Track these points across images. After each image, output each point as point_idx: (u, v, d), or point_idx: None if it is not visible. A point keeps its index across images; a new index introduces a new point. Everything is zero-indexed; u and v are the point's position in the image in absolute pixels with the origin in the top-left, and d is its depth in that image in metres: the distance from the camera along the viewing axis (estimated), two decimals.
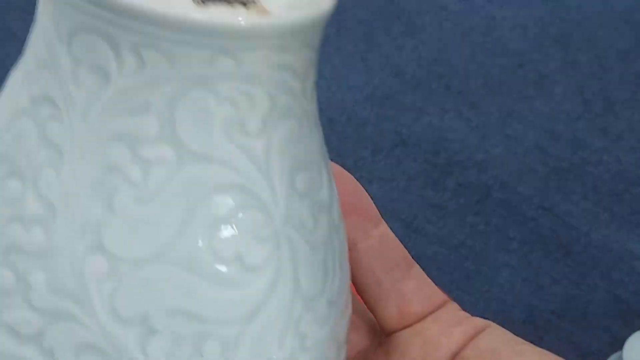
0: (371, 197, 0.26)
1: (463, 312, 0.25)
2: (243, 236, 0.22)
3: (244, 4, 0.21)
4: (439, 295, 0.26)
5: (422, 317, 0.26)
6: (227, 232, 0.22)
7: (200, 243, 0.22)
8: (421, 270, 0.28)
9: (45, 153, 0.23)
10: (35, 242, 0.23)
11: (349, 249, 0.26)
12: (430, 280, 0.27)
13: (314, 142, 0.25)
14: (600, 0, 0.69)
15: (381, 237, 0.31)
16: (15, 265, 0.22)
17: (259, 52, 0.22)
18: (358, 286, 0.27)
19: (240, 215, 0.22)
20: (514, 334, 0.23)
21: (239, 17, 0.21)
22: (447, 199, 0.54)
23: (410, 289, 0.28)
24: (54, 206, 0.23)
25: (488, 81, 0.61)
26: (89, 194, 0.22)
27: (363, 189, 0.32)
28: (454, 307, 0.25)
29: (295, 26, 0.22)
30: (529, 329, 0.50)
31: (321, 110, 0.23)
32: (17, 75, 0.24)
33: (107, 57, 0.22)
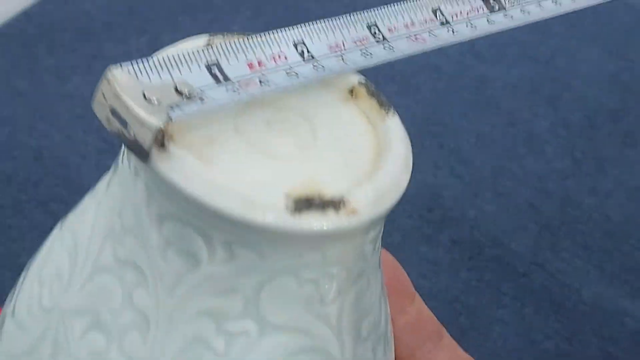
0: None
1: None
2: None
3: (335, 207, 0.22)
4: None
5: None
6: None
7: None
8: (451, 339, 0.29)
9: (131, 316, 0.24)
10: None
11: None
12: (460, 349, 0.28)
13: (377, 285, 0.27)
14: (589, 62, 0.70)
15: (417, 313, 0.32)
16: None
17: (345, 242, 0.23)
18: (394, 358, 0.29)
19: None
20: None
21: (330, 223, 0.22)
22: (441, 255, 0.55)
23: (441, 359, 0.30)
24: None
25: (480, 139, 0.62)
26: None
27: (400, 266, 0.34)
28: None
29: (381, 217, 0.23)
30: None
31: None
32: (98, 214, 0.25)
33: (199, 247, 0.23)
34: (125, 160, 0.24)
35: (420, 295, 0.52)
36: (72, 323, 0.24)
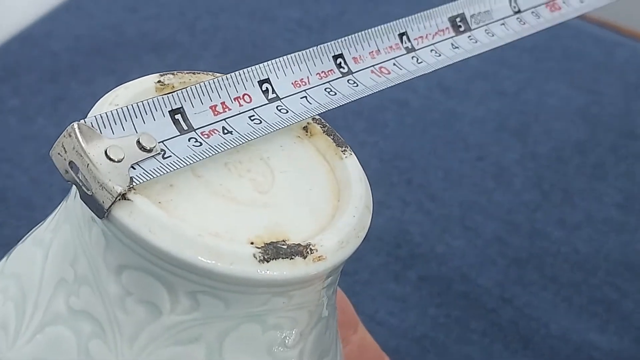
0: None
1: None
2: None
3: (302, 254, 0.22)
4: None
5: None
6: None
7: None
8: None
9: None
10: None
11: None
12: None
13: (334, 324, 0.27)
14: (557, 95, 0.71)
15: (359, 342, 0.32)
16: None
17: (310, 287, 0.23)
18: None
19: None
20: None
21: (299, 270, 0.22)
22: (409, 292, 0.54)
23: None
24: None
25: (448, 174, 0.62)
26: None
27: (344, 295, 0.34)
28: None
29: (345, 260, 0.23)
30: None
31: None
32: (47, 262, 0.24)
33: (161, 297, 0.22)
34: (77, 206, 0.23)
35: (389, 332, 0.52)
36: None
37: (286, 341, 0.24)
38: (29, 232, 0.27)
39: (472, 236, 0.58)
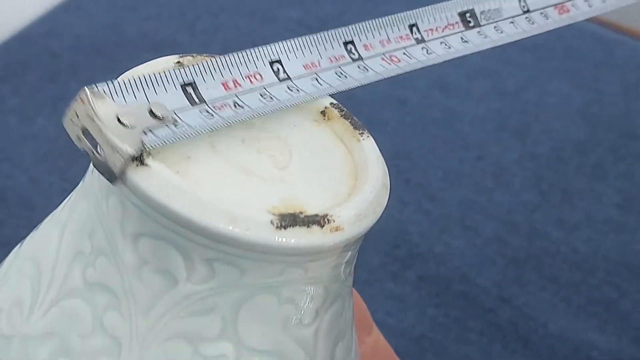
0: None
1: None
2: None
3: (320, 224, 0.22)
4: None
5: None
6: None
7: None
8: None
9: (102, 340, 0.23)
10: None
11: None
12: None
13: (350, 310, 0.27)
14: (558, 94, 0.70)
15: (373, 344, 0.33)
16: None
17: (326, 259, 0.23)
18: None
19: None
20: None
21: (316, 239, 0.22)
22: (408, 292, 0.54)
23: None
24: None
25: (447, 174, 0.62)
26: None
27: (359, 297, 0.34)
28: None
29: (361, 235, 0.23)
30: None
31: None
32: (64, 238, 0.24)
33: (178, 265, 0.22)
34: (94, 180, 0.23)
35: (387, 332, 0.52)
36: (36, 350, 0.24)
37: (302, 318, 0.24)
38: (43, 220, 0.27)
39: (471, 236, 0.58)
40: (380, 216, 0.24)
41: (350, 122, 0.26)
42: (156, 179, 0.21)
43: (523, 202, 0.61)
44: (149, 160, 0.21)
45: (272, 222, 0.21)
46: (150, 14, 0.74)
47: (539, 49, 0.74)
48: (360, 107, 0.65)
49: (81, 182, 0.25)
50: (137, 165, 0.21)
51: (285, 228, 0.22)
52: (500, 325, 0.53)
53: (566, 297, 0.55)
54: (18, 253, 0.27)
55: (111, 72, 0.74)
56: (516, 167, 0.63)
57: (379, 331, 0.36)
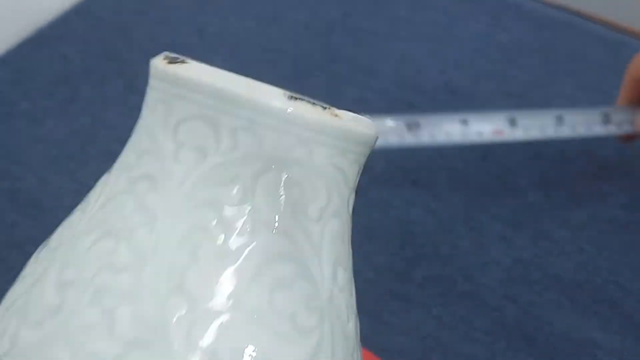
0: None
1: None
2: (297, 301, 0.27)
3: (323, 107, 0.27)
4: None
5: None
6: (285, 293, 0.27)
7: (263, 299, 0.26)
8: None
9: (140, 217, 0.27)
10: (123, 285, 0.26)
11: None
12: None
13: (348, 249, 0.30)
14: (562, 95, 0.71)
15: None
16: (101, 303, 0.26)
17: (326, 149, 0.28)
18: None
19: (296, 282, 0.27)
20: None
21: (318, 114, 0.27)
22: (413, 292, 0.55)
23: None
24: (144, 256, 0.26)
25: (453, 175, 0.63)
26: (177, 246, 0.26)
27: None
28: None
29: (354, 133, 0.28)
30: None
31: None
32: (109, 177, 0.29)
33: (207, 138, 0.27)
34: (149, 103, 0.29)
35: (392, 332, 0.53)
36: (80, 240, 0.28)
37: (308, 209, 0.28)
38: None
39: (477, 236, 0.58)
40: (374, 138, 0.29)
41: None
42: (194, 69, 0.27)
43: (528, 203, 0.61)
44: (188, 61, 0.27)
45: (284, 94, 0.27)
46: (159, 18, 0.75)
47: (544, 51, 0.75)
48: (370, 110, 0.66)
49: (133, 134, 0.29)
50: (180, 64, 0.27)
51: (295, 99, 0.27)
52: (506, 324, 0.53)
53: (571, 297, 0.55)
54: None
55: (121, 75, 0.75)
56: (522, 168, 0.64)
57: None
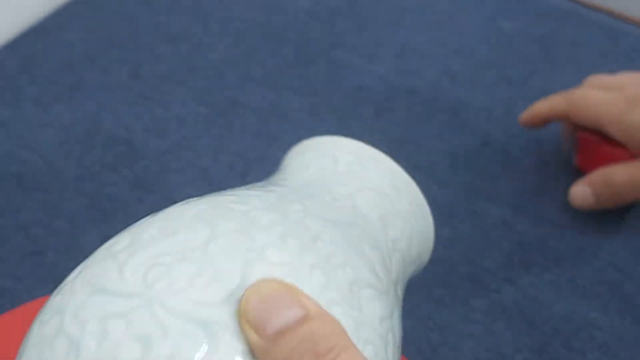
0: None
1: None
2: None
3: None
4: None
5: None
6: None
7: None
8: None
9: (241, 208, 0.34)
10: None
11: None
12: None
13: (352, 236, 0.37)
14: (562, 83, 0.72)
15: None
16: None
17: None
18: None
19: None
20: None
21: None
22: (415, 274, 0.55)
23: None
24: None
25: (454, 160, 0.63)
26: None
27: None
28: None
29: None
30: None
31: None
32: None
33: None
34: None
35: None
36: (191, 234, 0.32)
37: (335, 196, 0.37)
38: None
39: (478, 220, 0.59)
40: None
41: None
42: None
43: (528, 187, 0.62)
44: None
45: None
46: (164, 6, 0.76)
47: (544, 39, 0.75)
48: (372, 96, 0.67)
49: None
50: None
51: None
52: (505, 305, 0.54)
53: (571, 279, 0.56)
54: None
55: (125, 62, 0.75)
56: (522, 153, 0.64)
57: None
